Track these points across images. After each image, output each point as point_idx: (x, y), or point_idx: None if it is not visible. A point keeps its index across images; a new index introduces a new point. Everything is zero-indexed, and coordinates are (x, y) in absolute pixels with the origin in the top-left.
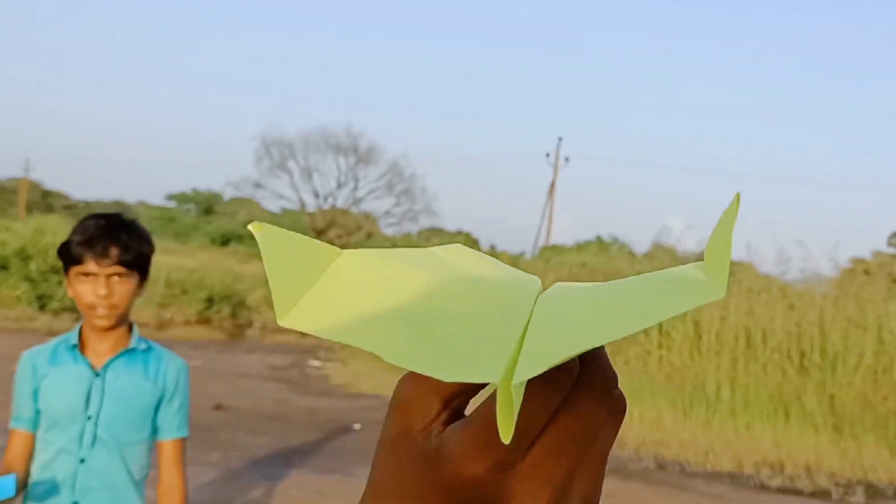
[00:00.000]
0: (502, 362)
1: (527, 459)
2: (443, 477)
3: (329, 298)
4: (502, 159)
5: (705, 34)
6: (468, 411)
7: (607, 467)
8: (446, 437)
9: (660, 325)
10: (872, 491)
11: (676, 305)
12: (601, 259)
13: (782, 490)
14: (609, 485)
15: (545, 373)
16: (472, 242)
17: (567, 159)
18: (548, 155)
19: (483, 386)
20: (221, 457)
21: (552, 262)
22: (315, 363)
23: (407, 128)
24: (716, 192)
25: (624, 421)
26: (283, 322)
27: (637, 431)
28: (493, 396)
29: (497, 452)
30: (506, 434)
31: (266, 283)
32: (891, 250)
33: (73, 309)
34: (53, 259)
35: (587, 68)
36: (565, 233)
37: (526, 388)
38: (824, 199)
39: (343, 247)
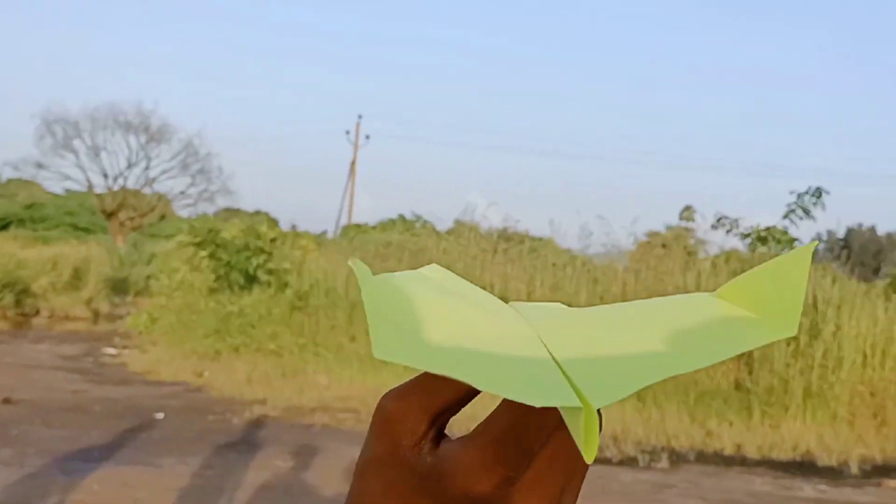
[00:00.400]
0: (573, 387)
1: (528, 474)
2: (445, 494)
3: (417, 330)
4: (301, 137)
5: (503, 8)
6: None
7: None
8: (446, 455)
9: None
10: (676, 456)
11: (743, 342)
12: (406, 237)
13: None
14: None
15: None
16: (271, 222)
17: (368, 137)
18: (348, 133)
19: (466, 403)
20: (15, 453)
21: (356, 240)
22: (110, 351)
23: (201, 106)
24: (517, 169)
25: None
26: (381, 355)
27: None
28: (497, 413)
29: (505, 469)
30: (590, 455)
31: (53, 268)
32: (683, 224)
33: None
34: None
35: (386, 47)
36: (367, 211)
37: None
38: (624, 175)
39: (135, 228)
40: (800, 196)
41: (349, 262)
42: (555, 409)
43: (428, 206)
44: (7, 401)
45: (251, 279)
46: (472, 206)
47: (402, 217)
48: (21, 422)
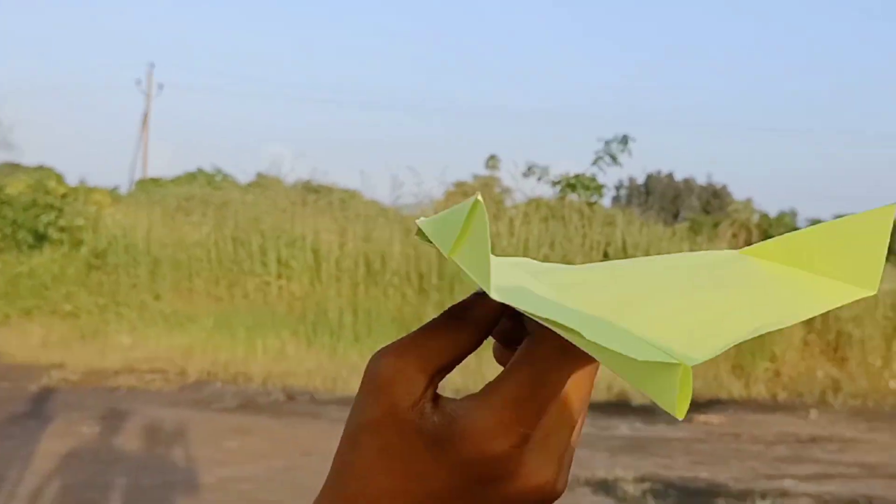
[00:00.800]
0: (673, 343)
1: (538, 431)
2: (457, 456)
3: (529, 284)
4: (87, 87)
5: None
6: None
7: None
8: (459, 414)
9: (279, 254)
10: None
11: (826, 301)
12: (207, 191)
13: None
14: (238, 421)
15: (561, 345)
16: (57, 177)
17: (161, 87)
18: (139, 82)
19: (461, 361)
20: None
21: (154, 194)
22: None
23: None
24: (320, 122)
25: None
26: (499, 296)
27: (262, 364)
28: (514, 371)
29: (524, 427)
30: (682, 411)
31: None
32: (488, 173)
33: None
34: None
35: None
36: (164, 165)
37: (546, 360)
38: (432, 125)
39: None
40: (607, 143)
41: (417, 222)
42: (571, 366)
43: (227, 159)
44: None
45: (41, 238)
46: (279, 159)
47: (201, 170)
48: None
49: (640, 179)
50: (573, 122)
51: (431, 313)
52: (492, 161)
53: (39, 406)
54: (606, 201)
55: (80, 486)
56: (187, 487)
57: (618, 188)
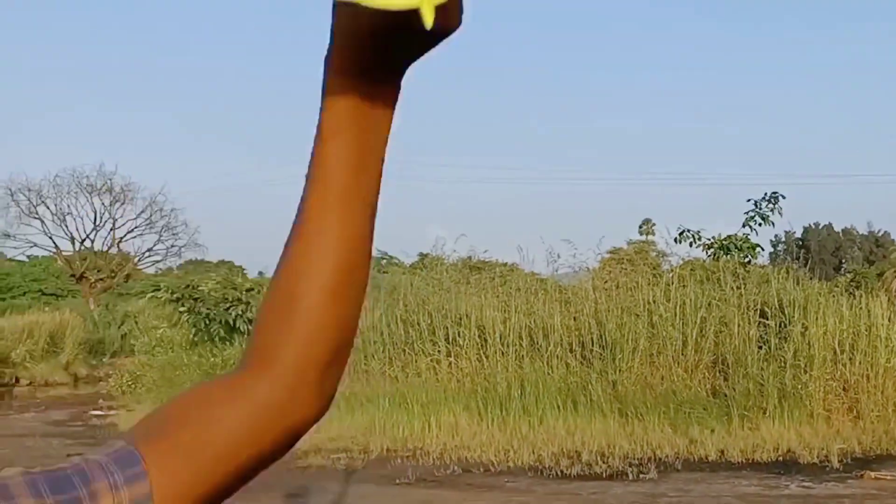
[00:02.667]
0: None
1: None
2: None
3: None
4: (259, 184)
5: None
6: None
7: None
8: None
9: (447, 332)
10: (662, 466)
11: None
12: (375, 274)
13: (582, 476)
14: (420, 494)
15: None
16: (237, 271)
17: None
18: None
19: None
20: None
21: None
22: (98, 413)
23: (161, 163)
24: (477, 201)
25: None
26: None
27: (437, 438)
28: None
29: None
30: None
31: (28, 336)
32: (643, 238)
33: None
34: None
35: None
36: None
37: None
38: (586, 195)
39: (105, 289)
40: (757, 203)
41: None
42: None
43: (391, 243)
44: None
45: (231, 330)
46: (441, 240)
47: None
48: None
49: (798, 233)
50: (722, 184)
51: (596, 381)
52: (646, 226)
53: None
54: (764, 258)
55: None
56: None
57: (775, 245)
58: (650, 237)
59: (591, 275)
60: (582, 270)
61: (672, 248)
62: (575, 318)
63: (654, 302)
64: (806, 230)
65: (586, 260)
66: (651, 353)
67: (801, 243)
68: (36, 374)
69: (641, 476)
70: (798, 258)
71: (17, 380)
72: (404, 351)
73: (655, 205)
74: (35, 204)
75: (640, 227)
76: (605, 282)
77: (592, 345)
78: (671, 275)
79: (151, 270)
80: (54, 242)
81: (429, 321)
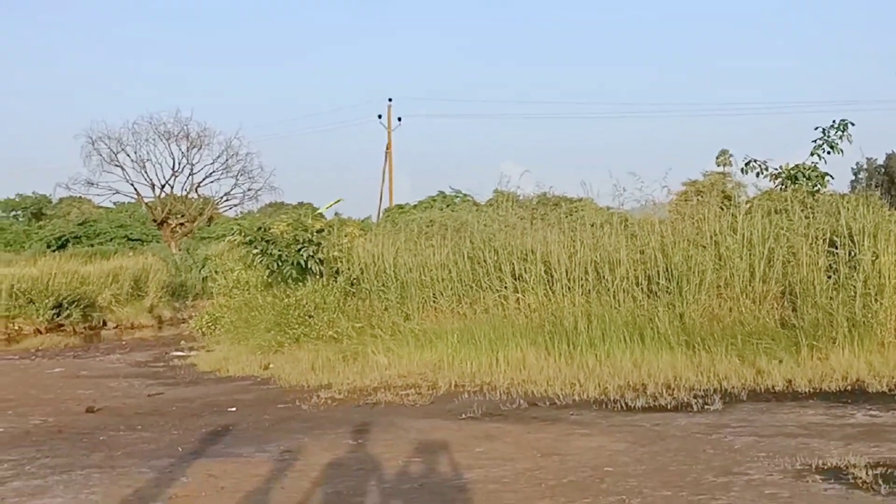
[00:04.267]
0: None
1: None
2: None
3: None
4: (336, 127)
5: None
6: None
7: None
8: None
9: (513, 269)
10: (728, 398)
11: None
12: (446, 213)
13: (647, 408)
14: (485, 428)
15: None
16: (315, 213)
17: (399, 119)
18: (380, 117)
19: None
20: (105, 457)
21: (399, 222)
22: (179, 354)
23: (236, 106)
24: (547, 135)
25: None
26: None
27: (505, 373)
28: None
29: None
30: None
31: (114, 281)
32: (720, 169)
33: None
34: None
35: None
36: (407, 192)
37: None
38: (652, 128)
39: (186, 234)
40: (825, 131)
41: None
42: None
43: (465, 180)
44: (90, 410)
45: (303, 271)
46: (507, 177)
47: (441, 194)
48: (106, 428)
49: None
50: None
51: (663, 314)
52: (722, 157)
53: (312, 423)
54: (838, 187)
55: (348, 492)
56: (441, 490)
57: (856, 173)
58: (727, 168)
59: (659, 208)
60: (649, 204)
61: (747, 180)
62: (641, 252)
63: (721, 233)
64: (889, 157)
65: (653, 192)
66: (718, 284)
67: (883, 170)
68: (122, 317)
69: (706, 407)
70: (881, 185)
71: (105, 323)
72: (472, 288)
73: (731, 136)
74: (115, 151)
75: (717, 158)
76: (672, 214)
77: (659, 278)
78: (742, 206)
79: (231, 214)
80: (136, 189)
81: (495, 258)
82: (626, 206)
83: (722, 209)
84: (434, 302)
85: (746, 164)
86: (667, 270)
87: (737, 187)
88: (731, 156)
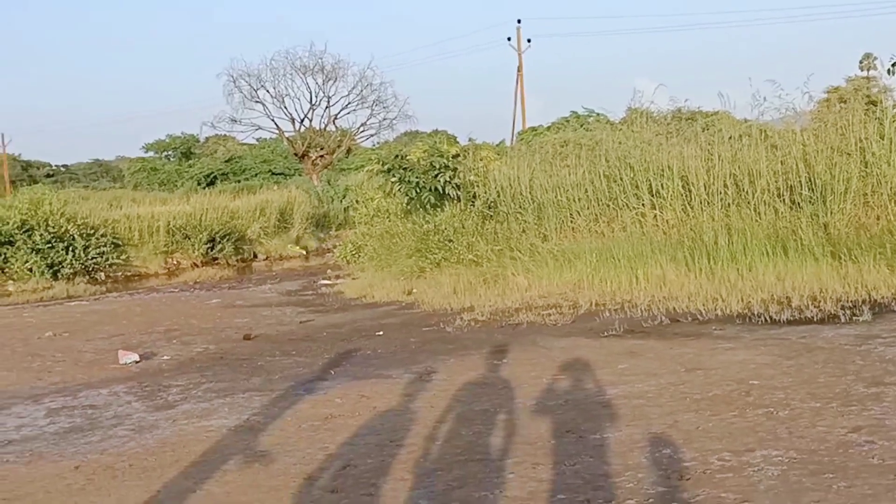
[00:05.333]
0: None
1: None
2: None
3: None
4: (467, 52)
5: None
6: None
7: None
8: None
9: (650, 186)
10: (878, 308)
11: None
12: (580, 133)
13: (792, 321)
14: (627, 345)
15: None
16: (450, 139)
17: (529, 41)
18: (509, 39)
19: None
20: (264, 381)
21: (533, 144)
22: (326, 282)
23: (367, 37)
24: (679, 48)
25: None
26: None
27: (645, 291)
28: None
29: None
30: None
31: (261, 214)
32: (864, 74)
33: (85, 272)
34: (56, 227)
35: None
36: (539, 114)
37: None
38: (792, 34)
39: (326, 166)
40: None
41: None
42: None
43: (599, 99)
44: (247, 337)
45: (441, 196)
46: (640, 93)
47: (574, 114)
48: (263, 354)
49: None
50: None
51: (806, 225)
52: (866, 61)
53: (456, 344)
54: None
55: (495, 409)
56: (587, 406)
57: None
58: (872, 72)
59: (799, 116)
60: (790, 113)
61: (894, 83)
62: (782, 163)
63: (867, 139)
64: None
65: (794, 101)
66: (864, 193)
67: None
68: (271, 249)
69: (854, 318)
70: None
71: (255, 255)
72: (608, 206)
73: (876, 39)
74: (255, 88)
75: (861, 62)
76: (814, 122)
77: (801, 188)
78: (889, 110)
79: (368, 144)
80: (276, 124)
81: (631, 175)
82: (765, 117)
83: (867, 115)
84: (571, 222)
85: (893, 66)
86: (809, 180)
87: (883, 91)
88: (875, 59)
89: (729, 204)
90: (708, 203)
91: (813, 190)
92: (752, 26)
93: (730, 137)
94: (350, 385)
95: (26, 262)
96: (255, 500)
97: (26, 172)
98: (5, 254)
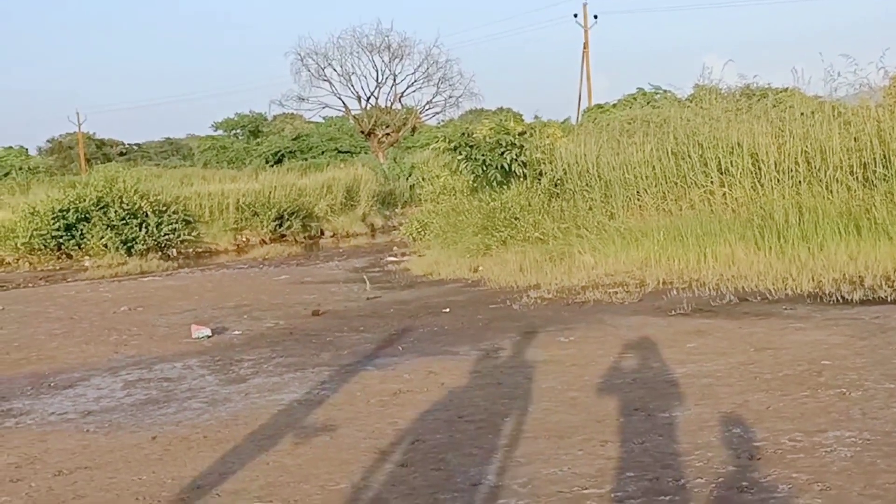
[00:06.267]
0: None
1: None
2: None
3: None
4: (532, 29)
5: None
6: None
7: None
8: None
9: (719, 163)
10: None
11: None
12: (647, 110)
13: (865, 301)
14: (695, 324)
15: None
16: (516, 117)
17: (595, 17)
18: (576, 16)
19: None
20: (333, 356)
21: (599, 121)
22: (392, 259)
23: (433, 15)
24: (748, 24)
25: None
26: None
27: (714, 269)
28: None
29: None
30: None
31: (328, 192)
32: None
33: (158, 248)
34: (130, 204)
35: None
36: (605, 91)
37: None
38: (867, 6)
39: (392, 144)
40: None
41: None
42: None
43: (666, 76)
44: (316, 313)
45: (507, 174)
46: (709, 70)
47: (641, 91)
48: (331, 329)
49: None
50: None
51: (880, 204)
52: None
53: (523, 321)
54: None
55: (562, 387)
56: (654, 384)
57: None
58: None
59: (874, 93)
60: (864, 89)
61: None
62: (856, 139)
63: None
64: None
65: (869, 76)
66: None
67: None
68: (337, 227)
69: None
70: None
71: (322, 232)
72: (676, 184)
73: None
74: (322, 66)
75: None
76: (889, 98)
77: (875, 165)
78: None
79: (433, 122)
80: (343, 102)
81: (700, 153)
82: (838, 94)
83: None
84: (638, 200)
85: None
86: (884, 157)
87: None
88: None
89: (800, 182)
90: (778, 181)
91: (887, 167)
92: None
93: (801, 114)
94: (418, 361)
95: (102, 238)
96: (326, 473)
97: (100, 151)
98: (82, 230)
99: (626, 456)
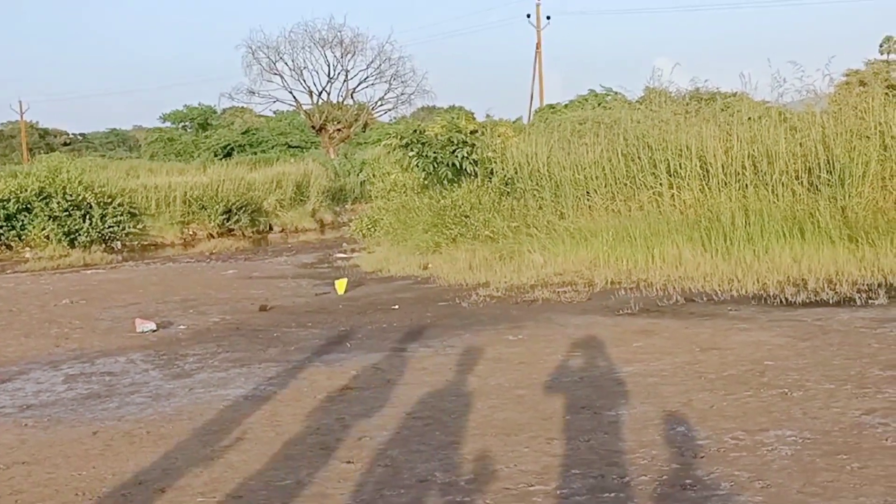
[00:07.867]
0: None
1: None
2: None
3: None
4: (485, 28)
5: None
6: None
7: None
8: None
9: (668, 165)
10: (894, 291)
11: None
12: (598, 111)
13: (808, 304)
14: (642, 323)
15: None
16: (468, 115)
17: (549, 18)
18: (529, 16)
19: None
20: (280, 352)
21: (550, 121)
22: (342, 255)
23: (386, 11)
24: (700, 28)
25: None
26: None
27: (661, 270)
28: None
29: None
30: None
31: (278, 187)
32: (883, 57)
33: (102, 240)
34: (74, 195)
35: None
36: (557, 92)
37: None
38: (814, 15)
39: (343, 140)
40: None
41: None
42: None
43: (617, 78)
44: (263, 308)
45: (458, 172)
46: (659, 72)
47: (593, 92)
48: (279, 325)
49: None
50: None
51: (824, 208)
52: (887, 44)
53: (472, 319)
54: None
55: (511, 385)
56: (601, 382)
57: None
58: (892, 56)
59: (819, 99)
60: (810, 95)
61: None
62: (801, 145)
63: (887, 123)
64: None
65: (814, 83)
66: (883, 176)
67: None
68: (286, 222)
69: (871, 302)
70: None
71: (271, 227)
72: (626, 185)
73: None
74: (274, 60)
75: (881, 45)
76: (833, 105)
77: (820, 171)
78: None
79: (385, 119)
80: (294, 97)
81: (649, 155)
82: (784, 99)
83: (887, 98)
84: (588, 200)
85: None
86: (828, 163)
87: None
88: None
89: (747, 185)
90: (725, 184)
91: (831, 173)
92: (773, 7)
93: (749, 118)
94: (366, 358)
95: (44, 229)
96: (271, 469)
97: (43, 140)
98: (23, 221)
99: (571, 453)
